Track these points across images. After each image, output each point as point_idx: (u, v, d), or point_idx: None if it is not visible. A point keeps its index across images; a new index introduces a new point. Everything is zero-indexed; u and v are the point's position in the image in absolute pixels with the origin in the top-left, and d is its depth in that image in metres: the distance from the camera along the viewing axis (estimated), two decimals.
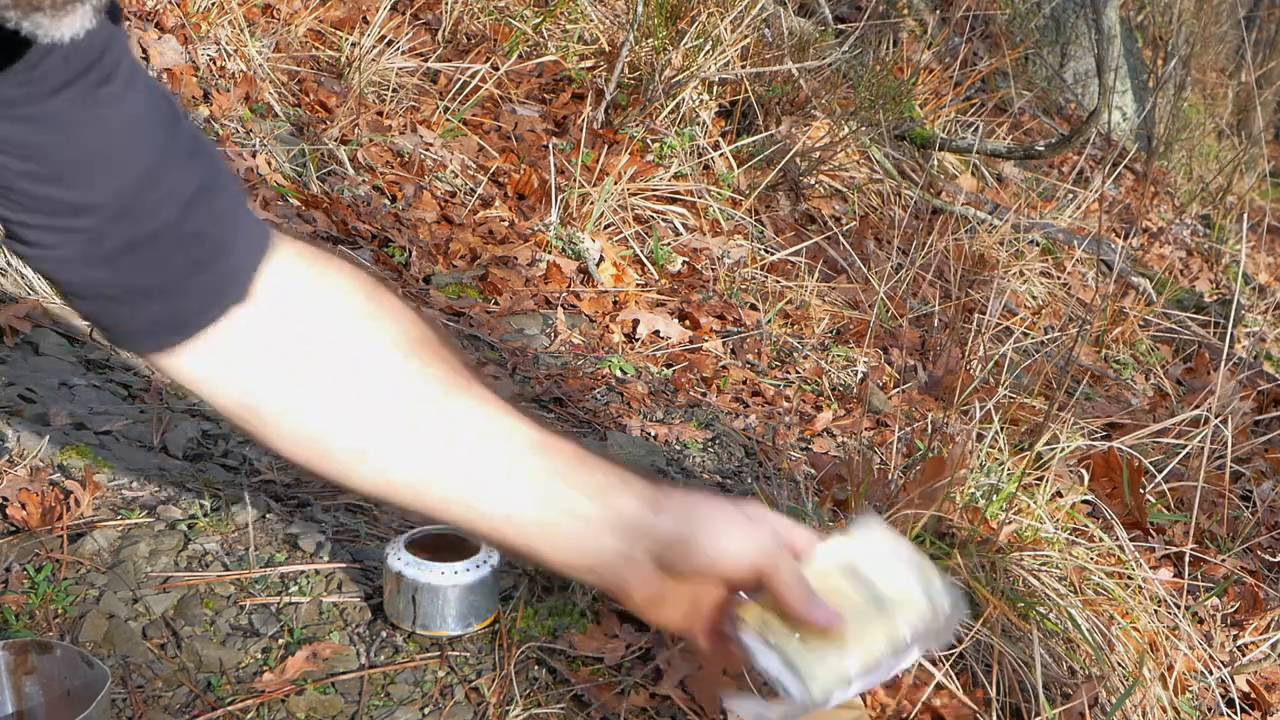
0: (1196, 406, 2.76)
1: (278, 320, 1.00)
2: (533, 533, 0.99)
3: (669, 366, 3.09)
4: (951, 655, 1.85)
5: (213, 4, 3.48)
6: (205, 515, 1.95)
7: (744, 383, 3.11)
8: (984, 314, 3.46)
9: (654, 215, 3.81)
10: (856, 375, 3.33)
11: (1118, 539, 2.18)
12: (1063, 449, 2.33)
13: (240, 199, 1.03)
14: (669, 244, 3.70)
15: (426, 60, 3.97)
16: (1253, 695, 2.18)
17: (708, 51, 4.18)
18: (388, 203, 3.37)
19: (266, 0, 3.84)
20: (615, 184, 3.63)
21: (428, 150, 3.63)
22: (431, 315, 2.96)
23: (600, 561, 0.97)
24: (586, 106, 4.04)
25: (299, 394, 1.01)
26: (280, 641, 1.75)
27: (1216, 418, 2.55)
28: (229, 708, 1.63)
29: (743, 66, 4.35)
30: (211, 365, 1.01)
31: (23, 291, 2.41)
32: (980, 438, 2.23)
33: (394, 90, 3.78)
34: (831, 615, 0.94)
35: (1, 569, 1.76)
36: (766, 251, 3.94)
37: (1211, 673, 2.14)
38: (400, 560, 1.77)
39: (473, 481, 0.99)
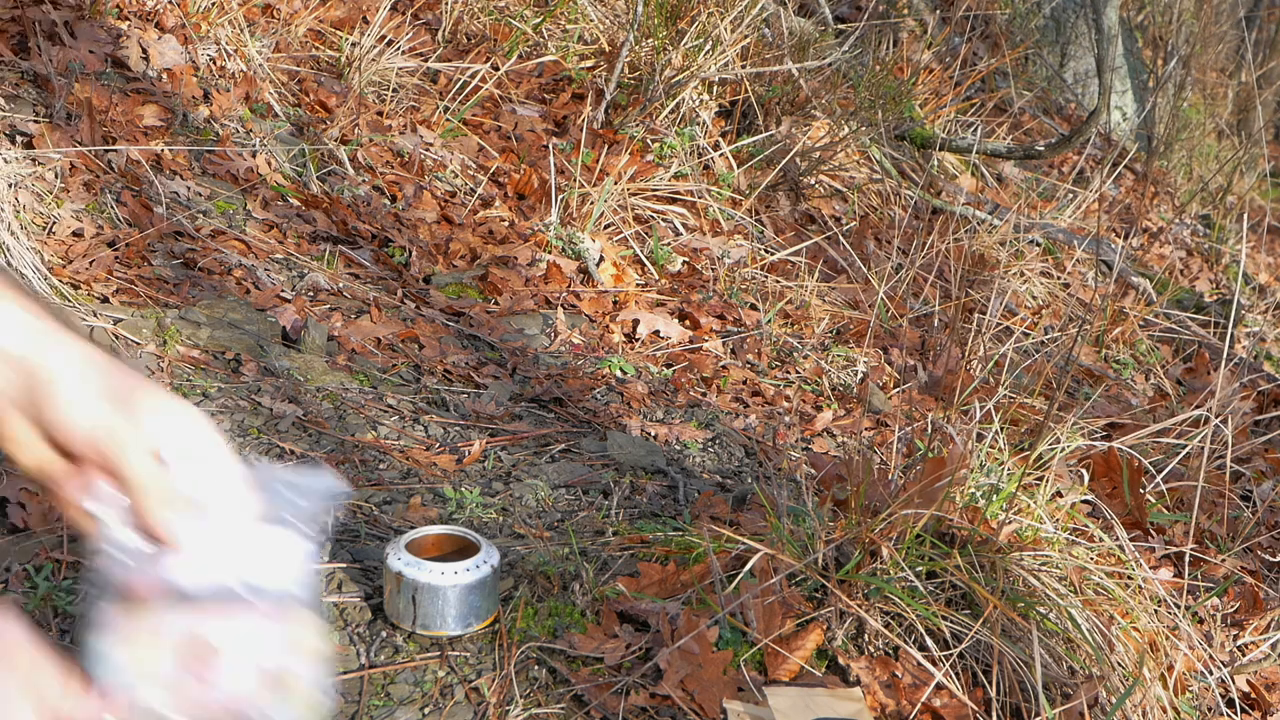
0: (1196, 406, 2.76)
1: None
2: None
3: (669, 366, 3.09)
4: (951, 655, 1.85)
5: (213, 4, 3.47)
6: None
7: (744, 383, 3.11)
8: (984, 314, 3.47)
9: (654, 215, 3.81)
10: (856, 375, 3.33)
11: (1118, 539, 2.18)
12: (1063, 449, 2.33)
13: None
14: (669, 244, 3.70)
15: (426, 60, 3.97)
16: (1253, 695, 2.17)
17: (708, 51, 4.18)
18: (388, 203, 3.37)
19: (266, 0, 3.84)
20: (615, 184, 3.63)
21: (428, 150, 3.63)
22: (431, 315, 2.96)
23: None
24: (586, 106, 4.04)
25: None
26: None
27: (1216, 418, 2.55)
28: None
29: (743, 66, 4.35)
30: None
31: None
32: (980, 438, 2.23)
33: (394, 90, 3.78)
34: (185, 536, 0.82)
35: (1, 569, 1.76)
36: (766, 251, 3.94)
37: (1211, 673, 2.14)
38: (400, 560, 1.77)
39: None
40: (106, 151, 2.90)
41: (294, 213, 3.13)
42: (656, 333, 3.21)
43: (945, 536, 1.99)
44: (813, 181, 4.55)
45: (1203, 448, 2.47)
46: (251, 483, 0.85)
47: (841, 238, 4.13)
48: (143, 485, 0.82)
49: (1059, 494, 2.28)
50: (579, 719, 1.70)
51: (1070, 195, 5.47)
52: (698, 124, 4.20)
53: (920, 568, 1.92)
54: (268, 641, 0.83)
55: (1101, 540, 2.18)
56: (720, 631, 1.83)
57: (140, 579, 0.82)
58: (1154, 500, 2.59)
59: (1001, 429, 2.28)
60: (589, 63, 4.33)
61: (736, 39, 4.24)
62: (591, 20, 4.42)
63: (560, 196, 3.56)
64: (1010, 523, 2.05)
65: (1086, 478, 2.45)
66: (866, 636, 1.89)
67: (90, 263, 2.59)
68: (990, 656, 1.85)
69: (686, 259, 3.68)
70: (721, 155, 4.23)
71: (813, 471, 2.39)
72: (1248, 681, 2.18)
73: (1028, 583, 1.96)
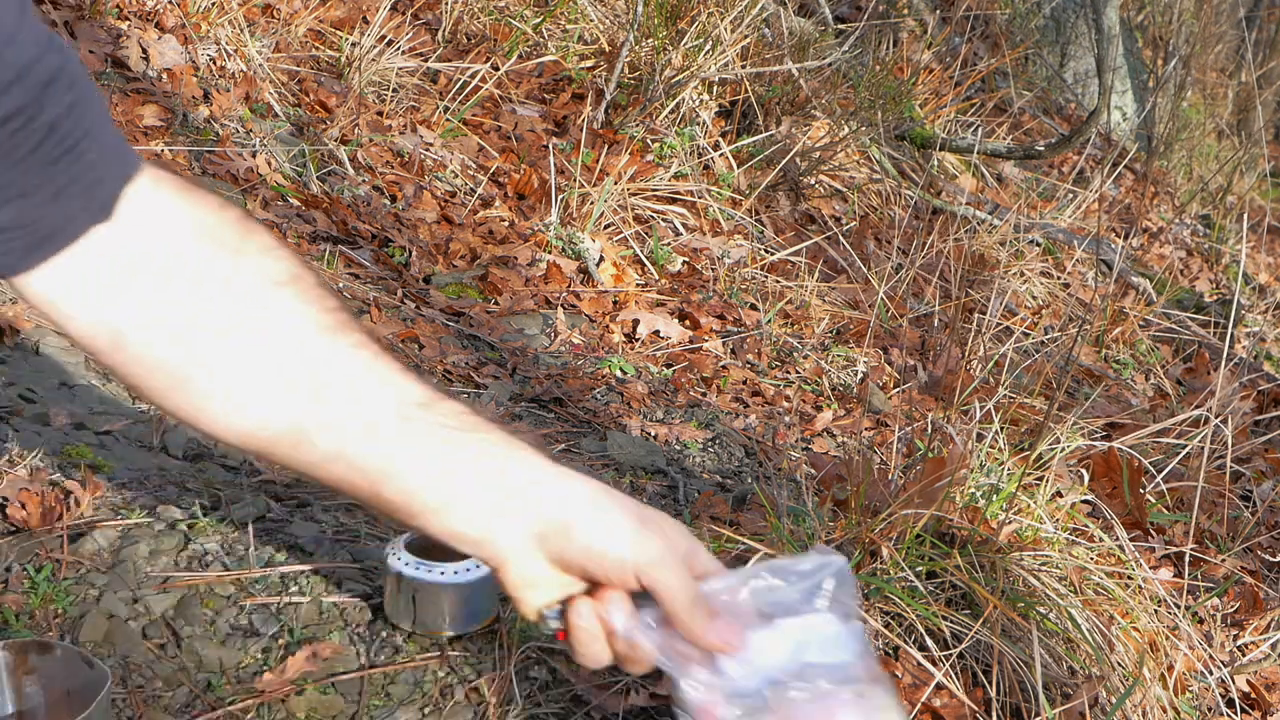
0: (1196, 406, 2.75)
1: (141, 244, 0.91)
2: (414, 495, 0.91)
3: (669, 366, 3.09)
4: (951, 655, 1.85)
5: (213, 4, 3.47)
6: (205, 515, 1.95)
7: (744, 383, 3.11)
8: (984, 314, 3.46)
9: (654, 215, 3.81)
10: (856, 375, 3.33)
11: (1118, 539, 2.17)
12: (1063, 449, 2.33)
13: (104, 106, 0.91)
14: (669, 244, 3.70)
15: (426, 60, 3.97)
16: (1253, 695, 2.18)
17: (708, 51, 4.18)
18: (388, 203, 3.37)
19: (266, 0, 3.84)
20: (615, 184, 3.63)
21: (428, 150, 3.63)
22: (431, 315, 2.96)
23: (481, 533, 0.91)
24: (586, 106, 4.04)
25: (160, 322, 0.91)
26: (280, 641, 1.75)
27: (1216, 418, 2.55)
28: (229, 708, 1.63)
29: (743, 66, 4.35)
30: (69, 288, 0.89)
31: None
32: (980, 438, 2.23)
33: (394, 90, 3.78)
34: (728, 640, 0.89)
35: (1, 569, 1.76)
36: (766, 251, 3.94)
37: (1211, 673, 2.14)
38: (400, 560, 1.77)
39: (350, 434, 0.90)
40: None
41: (294, 213, 3.13)
42: (656, 333, 3.21)
43: (945, 536, 1.99)
44: (813, 181, 4.56)
45: (1203, 448, 2.47)
46: (767, 578, 0.91)
47: (841, 238, 4.13)
48: (685, 597, 0.88)
49: (1059, 494, 2.28)
50: (579, 719, 1.70)
51: (1070, 195, 5.47)
52: (698, 124, 4.20)
53: (920, 568, 1.92)
54: None
55: (1101, 540, 2.18)
56: None
57: (707, 691, 0.88)
58: (1154, 500, 2.59)
59: (1001, 429, 2.28)
60: (589, 63, 4.33)
61: (736, 39, 4.24)
62: (591, 20, 4.42)
63: (560, 196, 3.56)
64: (1010, 523, 2.05)
65: (1086, 478, 2.45)
66: None
67: None
68: (990, 656, 1.85)
69: (686, 259, 3.68)
70: (721, 155, 4.23)
71: (813, 471, 2.39)
72: (1248, 681, 2.18)
73: (1028, 583, 1.96)
